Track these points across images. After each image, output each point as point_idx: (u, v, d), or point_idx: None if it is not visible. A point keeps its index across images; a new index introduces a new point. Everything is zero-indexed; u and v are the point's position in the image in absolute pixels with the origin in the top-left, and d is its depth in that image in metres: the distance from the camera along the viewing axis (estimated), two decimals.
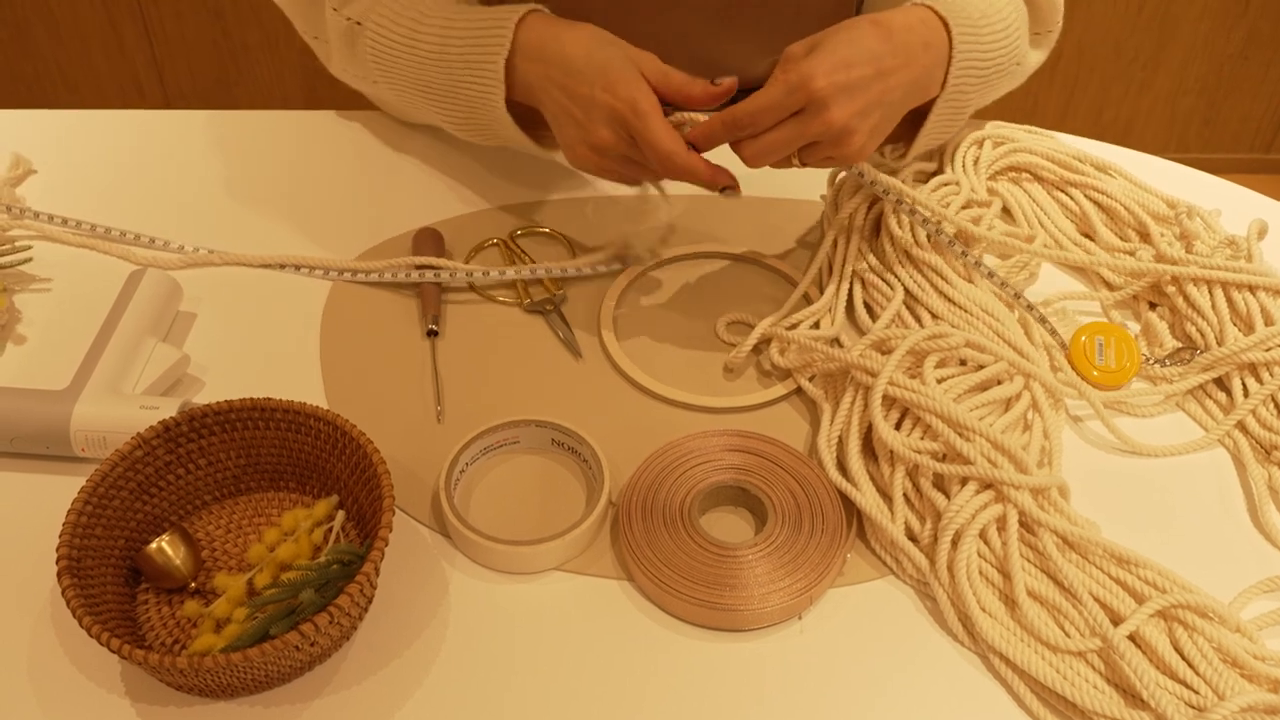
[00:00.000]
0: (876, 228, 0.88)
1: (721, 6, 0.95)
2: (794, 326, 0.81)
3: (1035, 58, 0.93)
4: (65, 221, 0.89)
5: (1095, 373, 0.78)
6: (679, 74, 0.74)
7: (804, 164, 0.76)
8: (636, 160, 0.76)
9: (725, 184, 0.76)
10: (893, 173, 0.90)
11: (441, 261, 0.84)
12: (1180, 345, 0.80)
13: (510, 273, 0.85)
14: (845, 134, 0.72)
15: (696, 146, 0.74)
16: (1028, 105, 2.35)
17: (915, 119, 0.83)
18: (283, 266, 0.86)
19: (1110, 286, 0.86)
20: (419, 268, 0.83)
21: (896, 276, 0.82)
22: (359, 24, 0.87)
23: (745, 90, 1.07)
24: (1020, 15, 0.87)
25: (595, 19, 0.97)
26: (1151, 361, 0.79)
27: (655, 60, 0.75)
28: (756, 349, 0.80)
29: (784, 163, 0.75)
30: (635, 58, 0.75)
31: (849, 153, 0.74)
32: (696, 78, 0.75)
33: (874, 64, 0.73)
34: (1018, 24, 0.85)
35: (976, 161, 0.92)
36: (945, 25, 0.78)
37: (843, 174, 0.93)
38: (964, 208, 0.86)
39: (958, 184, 0.88)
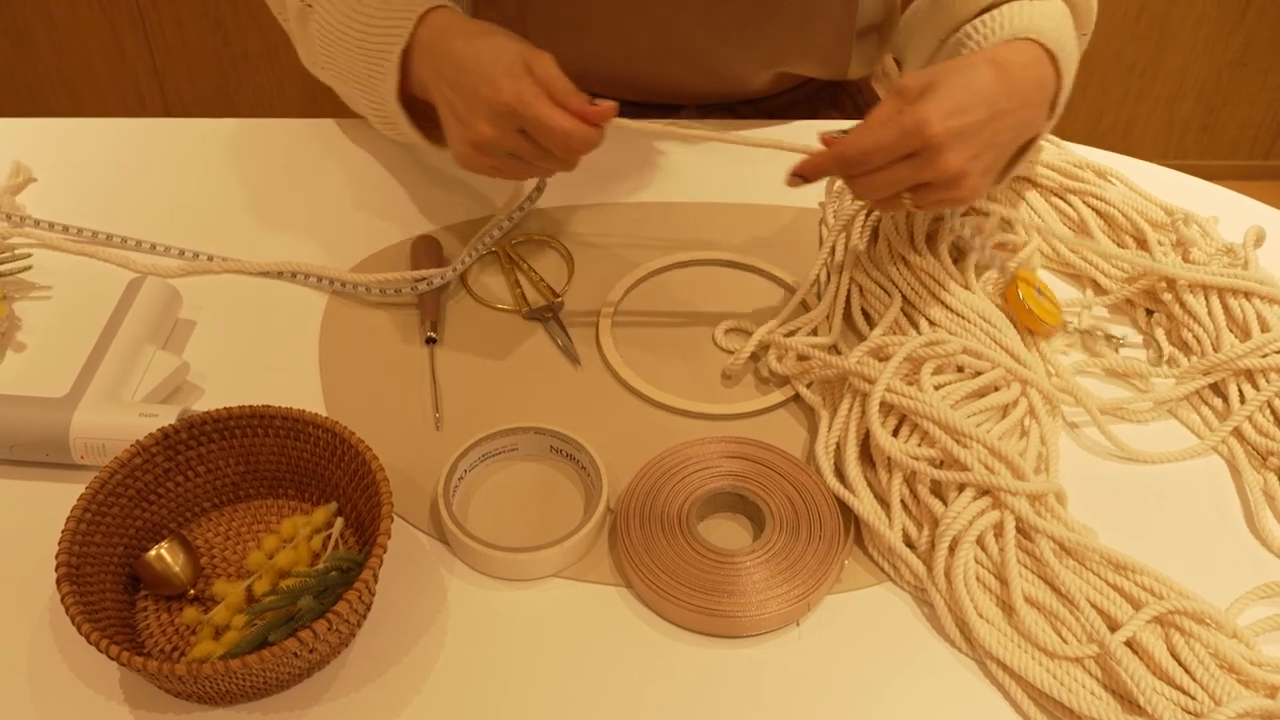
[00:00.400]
0: (874, 234, 0.88)
1: (725, 17, 0.96)
2: (792, 333, 0.81)
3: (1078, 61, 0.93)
4: (66, 229, 0.89)
5: (1036, 310, 0.79)
6: (565, 83, 0.73)
7: (917, 206, 0.74)
8: (522, 156, 0.74)
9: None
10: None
11: (434, 271, 0.84)
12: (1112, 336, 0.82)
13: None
14: (959, 178, 0.71)
15: (805, 177, 0.73)
16: None
17: None
18: (280, 274, 0.86)
19: (1104, 292, 0.86)
20: (417, 280, 0.83)
21: (894, 283, 0.82)
22: (309, 6, 0.87)
23: (747, 101, 1.09)
24: (1069, 18, 0.86)
25: (598, 29, 0.98)
26: (1071, 327, 0.82)
27: (549, 63, 0.73)
28: (754, 356, 0.80)
29: (895, 202, 0.74)
30: (528, 55, 0.73)
31: (962, 195, 0.73)
32: (580, 93, 0.73)
33: (989, 107, 0.71)
34: (1072, 28, 0.85)
35: None
36: (1054, 62, 0.76)
37: (840, 181, 0.93)
38: (964, 215, 0.86)
39: None
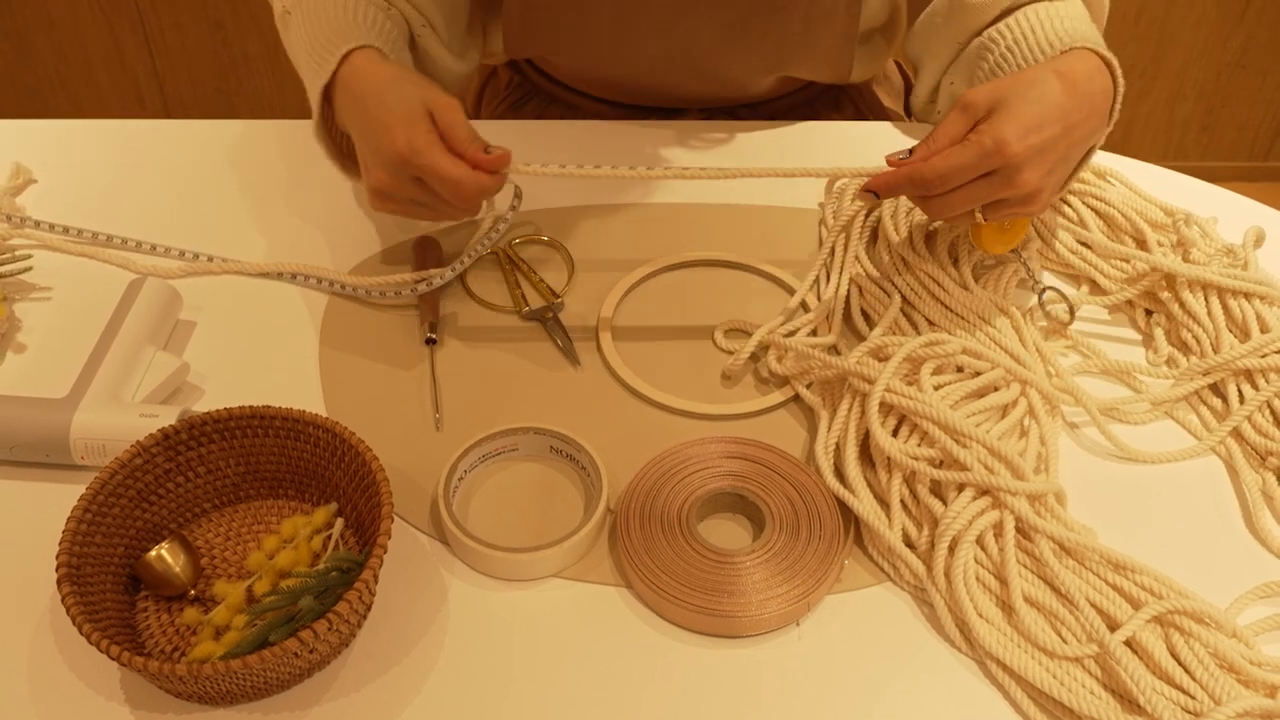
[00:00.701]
0: (874, 235, 0.88)
1: (728, 22, 0.96)
2: (792, 334, 0.81)
3: None
4: (66, 230, 0.89)
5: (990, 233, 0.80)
6: (464, 130, 0.73)
7: (986, 219, 0.75)
8: (422, 202, 0.75)
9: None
10: None
11: (434, 271, 0.84)
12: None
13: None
14: (1036, 194, 0.72)
15: (878, 193, 0.74)
16: None
17: None
18: (279, 275, 0.87)
19: (1104, 292, 0.86)
20: (417, 282, 0.83)
21: (893, 284, 0.83)
22: (288, 13, 0.88)
23: (749, 104, 1.09)
24: (1089, 17, 0.87)
25: (601, 35, 0.98)
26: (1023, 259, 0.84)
27: (452, 109, 0.74)
28: (754, 356, 0.80)
29: (966, 216, 0.75)
30: (431, 103, 0.74)
31: (1035, 209, 0.74)
32: (479, 139, 0.74)
33: (1062, 120, 0.72)
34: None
35: None
36: (1110, 68, 0.77)
37: (840, 181, 0.94)
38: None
39: None
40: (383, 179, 0.74)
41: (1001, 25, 0.86)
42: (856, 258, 0.86)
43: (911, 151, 0.73)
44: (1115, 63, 0.76)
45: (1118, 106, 0.78)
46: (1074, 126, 0.73)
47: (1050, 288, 0.83)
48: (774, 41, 0.97)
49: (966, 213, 0.74)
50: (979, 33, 0.89)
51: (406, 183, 0.74)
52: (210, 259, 0.88)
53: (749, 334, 0.82)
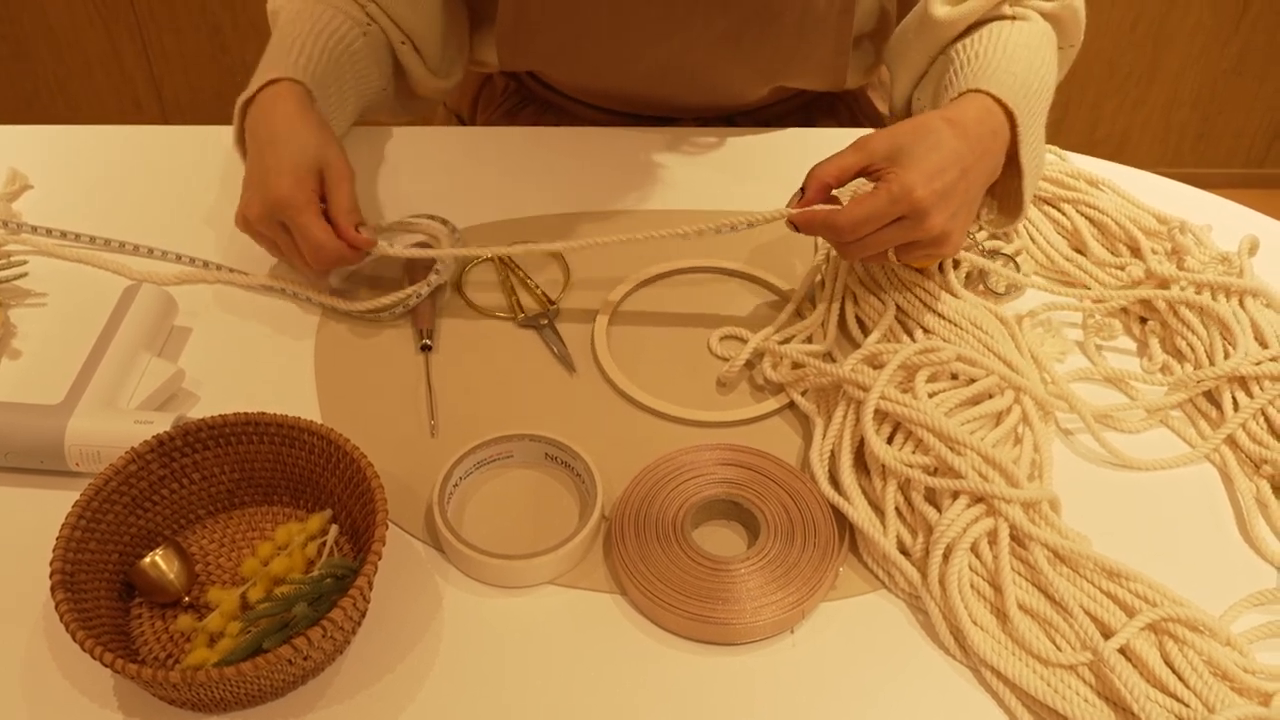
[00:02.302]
0: None
1: (722, 33, 0.96)
2: (787, 341, 0.81)
3: (1060, 75, 0.94)
4: (63, 235, 0.89)
5: None
6: (347, 201, 0.80)
7: (900, 260, 0.78)
8: (281, 247, 0.81)
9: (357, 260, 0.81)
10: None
11: (410, 291, 0.84)
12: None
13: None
14: (944, 236, 0.74)
15: (798, 227, 0.77)
16: None
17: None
18: (270, 289, 0.86)
19: (1098, 299, 0.86)
20: (407, 300, 0.83)
21: (887, 291, 0.83)
22: (276, 14, 0.93)
23: (744, 112, 1.09)
24: (1051, 38, 0.89)
25: (596, 49, 0.98)
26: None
27: (341, 176, 0.80)
28: (749, 364, 0.80)
29: (880, 257, 0.78)
30: (326, 162, 0.80)
31: (945, 251, 0.76)
32: (355, 213, 0.81)
33: (959, 164, 0.74)
34: (1052, 60, 0.88)
35: None
36: (1006, 109, 0.79)
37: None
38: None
39: None
40: (255, 213, 0.79)
41: (962, 44, 0.88)
42: (851, 266, 0.86)
43: (803, 189, 0.76)
44: (1010, 105, 0.78)
45: (1024, 144, 0.80)
46: (970, 169, 0.75)
47: (1005, 256, 0.84)
48: (769, 51, 0.98)
49: (880, 254, 0.77)
50: (946, 48, 0.90)
51: (274, 225, 0.79)
52: (205, 264, 0.88)
53: (744, 340, 0.82)
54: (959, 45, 0.88)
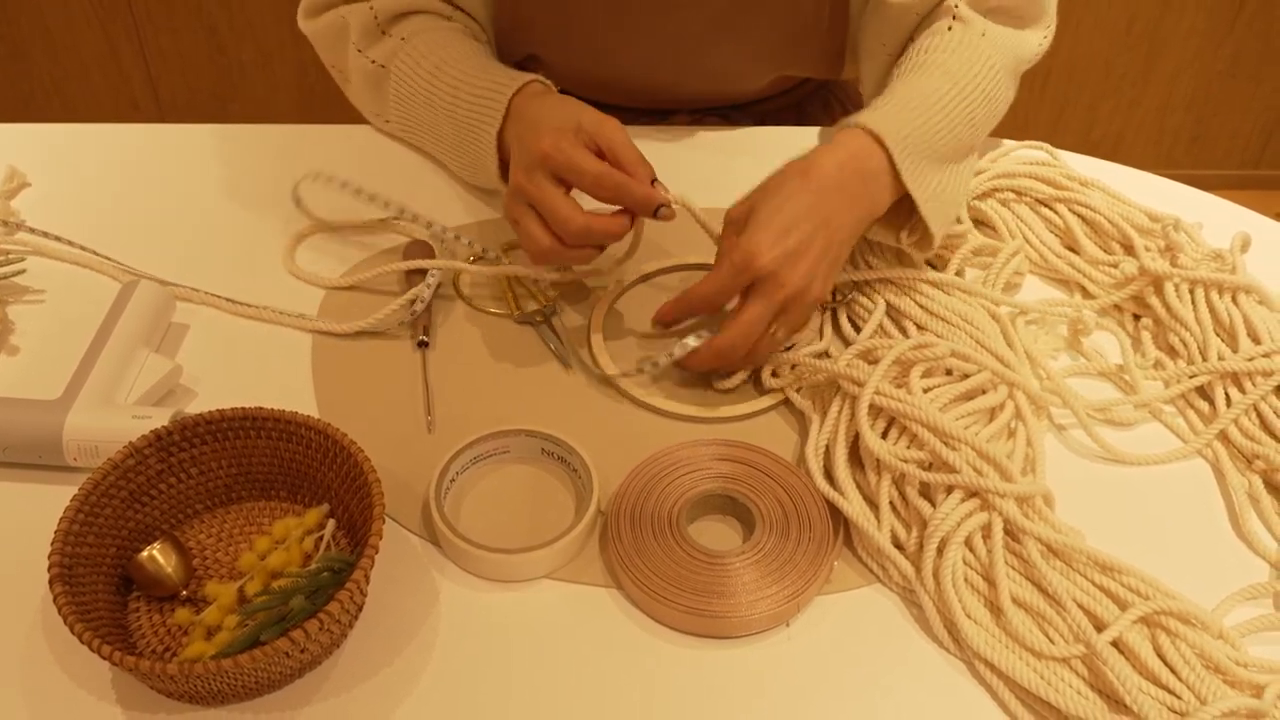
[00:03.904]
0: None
1: (717, 13, 0.96)
2: (790, 346, 0.81)
3: (1033, 42, 0.93)
4: (59, 239, 0.89)
5: None
6: (632, 151, 0.76)
7: (789, 332, 0.77)
8: (534, 205, 0.76)
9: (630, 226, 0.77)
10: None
11: (411, 294, 0.84)
12: None
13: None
14: (803, 294, 0.74)
15: (665, 322, 0.79)
16: (1018, 123, 2.37)
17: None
18: (260, 319, 0.84)
19: (1092, 297, 0.87)
20: (410, 305, 0.84)
21: (876, 291, 0.83)
22: (383, 67, 0.90)
23: (740, 106, 1.09)
24: (994, 43, 0.87)
25: (591, 31, 0.98)
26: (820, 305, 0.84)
27: (613, 127, 0.76)
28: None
29: (771, 341, 0.76)
30: (589, 117, 0.76)
31: (813, 300, 0.75)
32: (644, 165, 0.76)
33: (812, 218, 0.74)
34: (989, 59, 0.85)
35: None
36: (884, 147, 0.77)
37: None
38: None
39: None
40: (519, 179, 0.77)
41: (915, 44, 0.87)
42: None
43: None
44: (894, 148, 0.77)
45: (911, 184, 0.78)
46: (829, 217, 0.74)
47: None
48: (762, 33, 0.98)
49: (770, 338, 0.75)
50: (903, 49, 0.90)
51: (541, 181, 0.75)
52: (194, 289, 0.85)
53: None
54: (915, 45, 0.87)
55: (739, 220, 0.76)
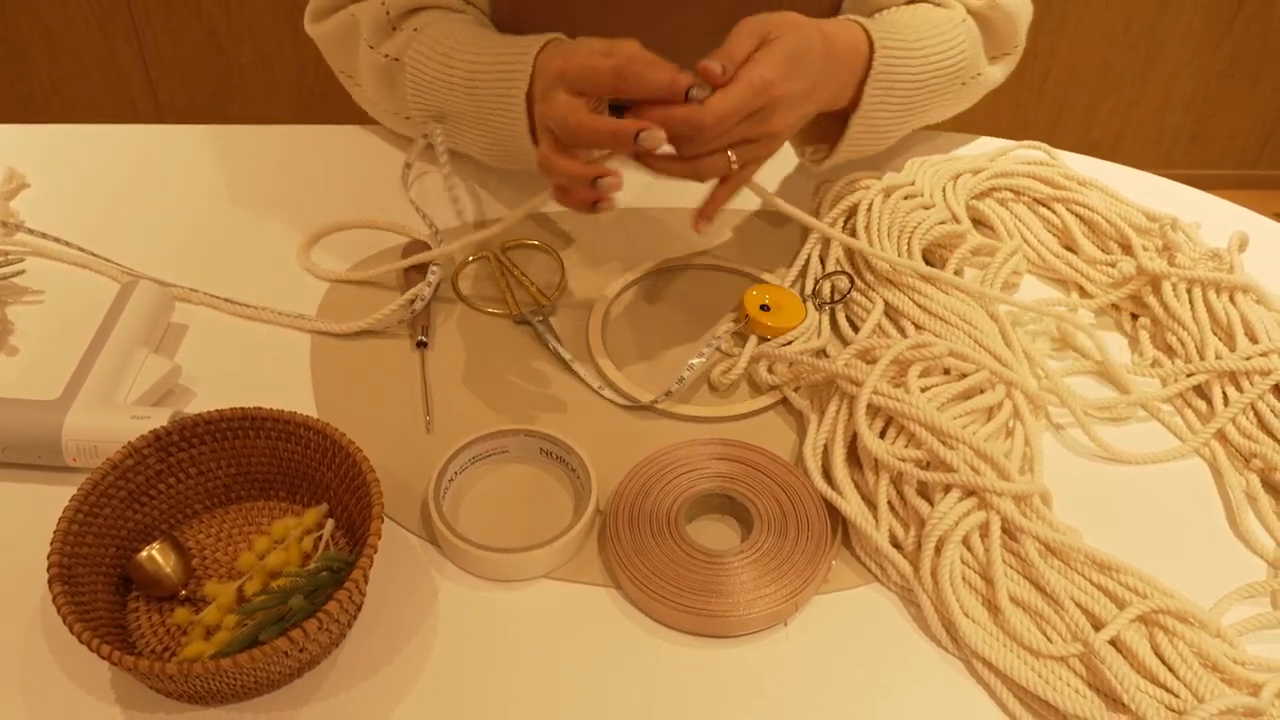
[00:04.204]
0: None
1: (718, 14, 0.96)
2: (789, 343, 0.81)
3: (996, 74, 0.95)
4: (57, 240, 0.89)
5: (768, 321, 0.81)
6: (649, 54, 0.71)
7: (736, 160, 0.73)
8: (556, 132, 0.72)
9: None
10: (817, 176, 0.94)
11: (412, 292, 0.84)
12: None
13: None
14: (776, 137, 0.74)
15: (649, 162, 0.73)
16: (1017, 122, 2.38)
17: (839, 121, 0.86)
18: (259, 318, 0.85)
19: (1090, 297, 0.87)
20: (410, 304, 0.84)
21: (874, 289, 0.83)
22: (397, 60, 0.90)
23: None
24: (969, 36, 0.89)
25: (589, 24, 0.98)
26: (816, 303, 0.84)
27: (632, 41, 0.73)
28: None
29: (719, 161, 0.73)
30: (607, 40, 0.73)
31: (769, 152, 0.75)
32: (664, 64, 0.71)
33: (815, 77, 0.74)
34: (962, 45, 0.87)
35: (955, 181, 0.93)
36: (871, 49, 0.80)
37: (825, 183, 0.94)
38: (939, 224, 0.87)
39: (932, 205, 0.89)
40: (539, 110, 0.76)
41: (883, 14, 0.89)
42: (838, 260, 0.86)
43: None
44: (878, 51, 0.80)
45: (867, 91, 0.81)
46: (822, 85, 0.75)
47: (841, 273, 0.85)
48: None
49: (719, 156, 0.73)
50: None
51: (557, 98, 0.71)
52: (194, 289, 0.86)
53: (742, 336, 0.82)
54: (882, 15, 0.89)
55: (754, 36, 0.72)
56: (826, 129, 0.88)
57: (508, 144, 0.87)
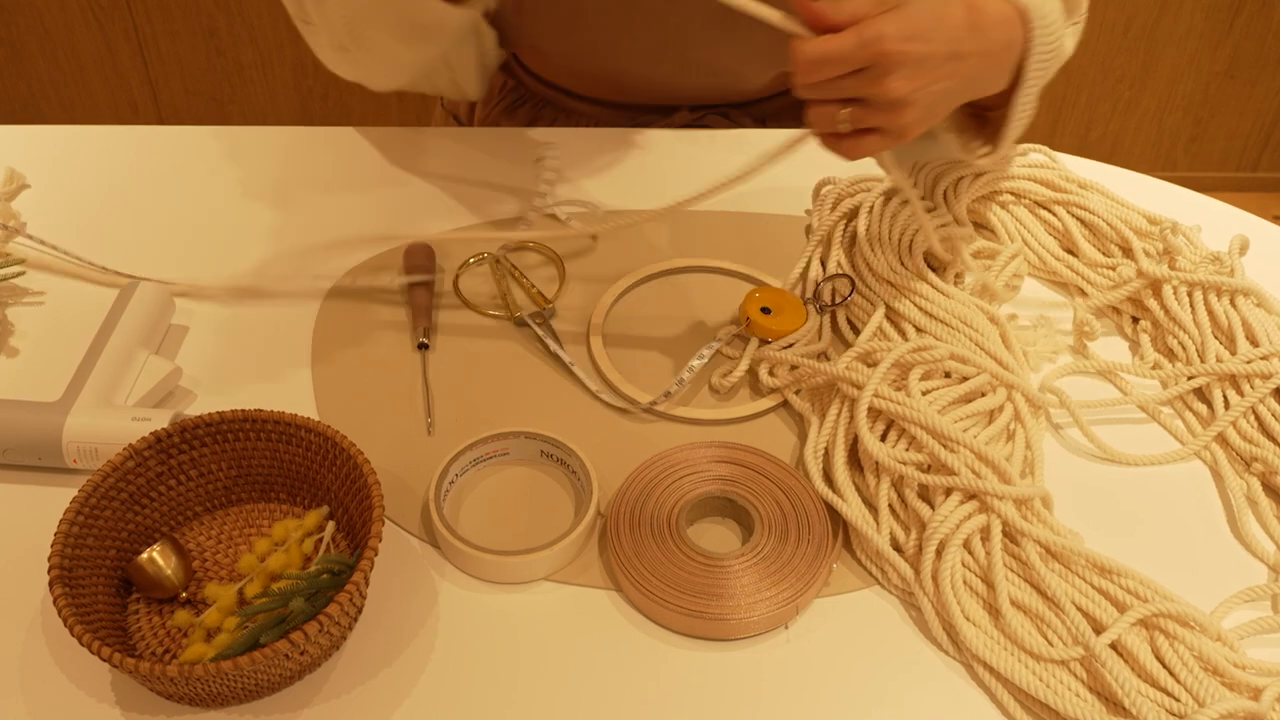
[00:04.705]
0: (854, 241, 0.88)
1: (719, 7, 0.96)
2: (789, 346, 0.81)
3: (1070, 46, 0.90)
4: (54, 248, 0.88)
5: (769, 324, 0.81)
6: None
7: (853, 126, 0.69)
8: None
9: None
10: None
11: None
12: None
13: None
14: (900, 105, 0.68)
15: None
16: None
17: (979, 119, 0.81)
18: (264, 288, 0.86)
19: (1089, 299, 0.87)
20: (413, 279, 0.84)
21: (875, 292, 0.83)
22: None
23: (741, 105, 1.09)
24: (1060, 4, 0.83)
25: (593, 22, 0.98)
26: (817, 305, 0.84)
27: None
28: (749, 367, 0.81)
29: (830, 116, 0.69)
30: None
31: (900, 125, 0.69)
32: None
33: (952, 44, 0.68)
34: (1059, 12, 0.81)
35: (956, 184, 0.93)
36: (1027, 28, 0.74)
37: (827, 186, 0.94)
38: (941, 227, 0.87)
39: (934, 208, 0.89)
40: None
41: None
42: (838, 263, 0.86)
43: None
44: (1035, 29, 0.74)
45: (1029, 67, 0.75)
46: (963, 56, 0.70)
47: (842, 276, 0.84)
48: (766, 27, 0.97)
49: (831, 110, 0.69)
50: None
51: None
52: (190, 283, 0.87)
53: (744, 340, 0.82)
54: None
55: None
56: (978, 123, 0.83)
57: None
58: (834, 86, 0.68)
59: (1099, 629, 0.63)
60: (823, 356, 0.81)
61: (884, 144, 0.71)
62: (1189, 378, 0.79)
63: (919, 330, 0.80)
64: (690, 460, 0.72)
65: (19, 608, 0.64)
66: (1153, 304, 0.84)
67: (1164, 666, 0.61)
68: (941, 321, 0.80)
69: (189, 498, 0.69)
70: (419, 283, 0.85)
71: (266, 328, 0.84)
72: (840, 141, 0.71)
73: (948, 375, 0.75)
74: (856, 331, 0.83)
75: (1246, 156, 2.48)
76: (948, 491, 0.68)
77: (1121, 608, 0.64)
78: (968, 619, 0.64)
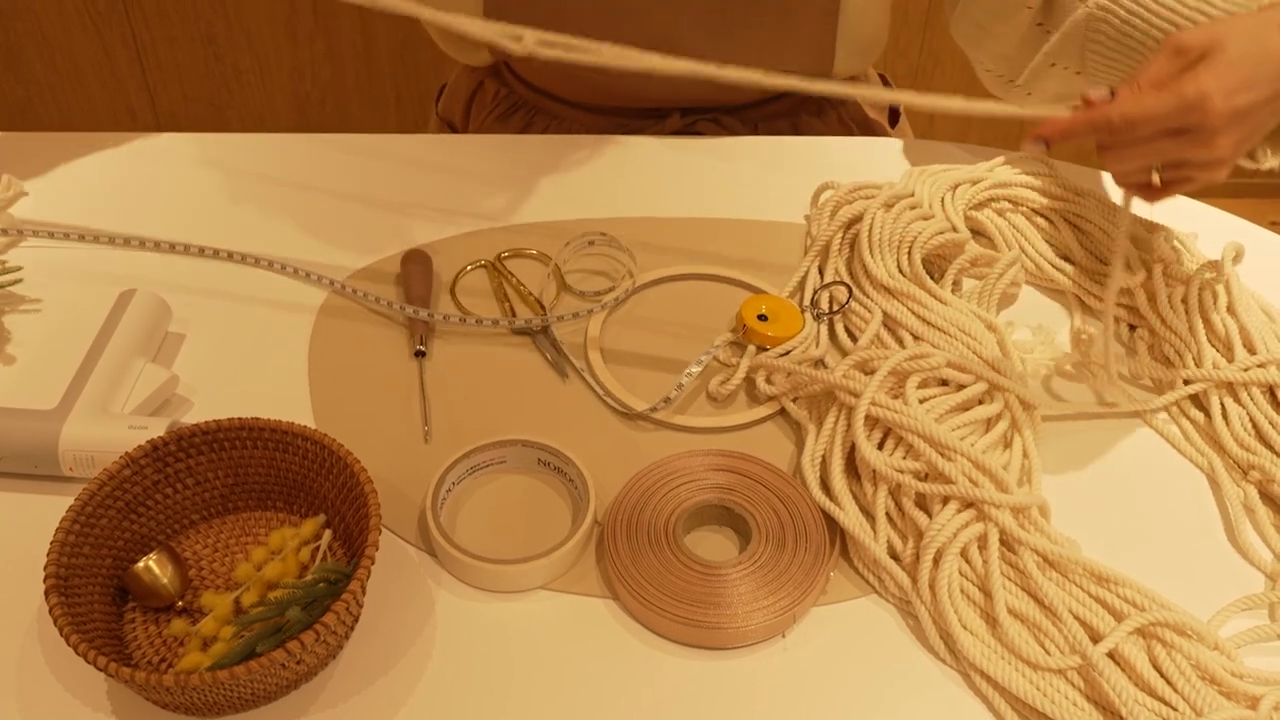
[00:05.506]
0: (853, 249, 0.89)
1: (706, 9, 0.96)
2: (787, 353, 0.81)
3: None
4: (51, 234, 0.89)
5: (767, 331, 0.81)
6: None
7: (1164, 183, 0.67)
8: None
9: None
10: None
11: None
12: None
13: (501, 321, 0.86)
14: (1220, 163, 0.65)
15: (1048, 140, 0.66)
16: (1014, 132, 2.38)
17: None
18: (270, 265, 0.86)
19: (1088, 308, 0.87)
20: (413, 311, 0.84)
21: (873, 300, 0.83)
22: None
23: (731, 110, 1.09)
24: None
25: (579, 24, 0.98)
26: (814, 313, 0.84)
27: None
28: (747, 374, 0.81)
29: (1140, 175, 0.67)
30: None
31: (1213, 178, 0.66)
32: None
33: (1272, 84, 0.63)
34: None
35: (954, 191, 0.93)
36: None
37: (824, 195, 0.94)
38: (938, 234, 0.87)
39: (931, 215, 0.89)
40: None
41: None
42: (837, 271, 0.86)
43: (1114, 93, 0.64)
44: None
45: None
46: None
47: (840, 283, 0.84)
48: (752, 29, 0.97)
49: (1141, 171, 0.66)
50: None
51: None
52: (202, 250, 0.89)
53: (741, 346, 0.82)
54: None
55: (1194, 50, 0.63)
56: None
57: None
58: (1150, 149, 0.64)
59: (1096, 638, 0.63)
60: (820, 364, 0.81)
61: (1194, 189, 0.68)
62: (1186, 384, 0.79)
63: (916, 338, 0.80)
64: (687, 468, 0.72)
65: (15, 616, 0.64)
66: (1149, 311, 0.84)
67: (1161, 675, 0.61)
68: (939, 329, 0.80)
69: (185, 506, 0.69)
70: (416, 291, 0.85)
71: (263, 335, 0.83)
72: (1147, 190, 0.68)
73: (945, 383, 0.75)
74: (854, 339, 0.83)
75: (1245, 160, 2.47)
76: (945, 500, 0.68)
77: (1119, 616, 0.64)
78: (965, 628, 0.64)
